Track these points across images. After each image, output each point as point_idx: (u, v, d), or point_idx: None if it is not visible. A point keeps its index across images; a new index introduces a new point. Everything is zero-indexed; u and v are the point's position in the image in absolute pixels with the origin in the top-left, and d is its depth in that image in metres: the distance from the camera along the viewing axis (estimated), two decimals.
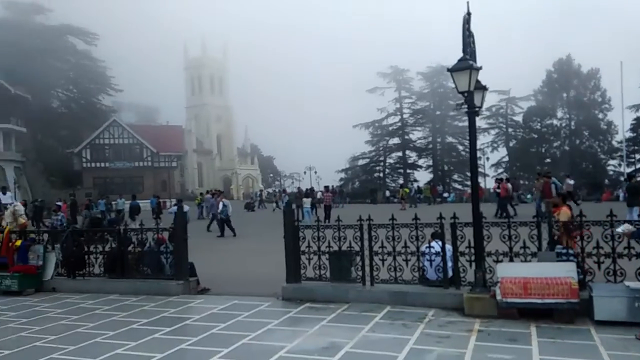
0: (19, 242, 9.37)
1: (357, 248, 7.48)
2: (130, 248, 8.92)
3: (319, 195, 25.65)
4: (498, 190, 19.64)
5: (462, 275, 6.90)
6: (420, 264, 7.24)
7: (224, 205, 17.75)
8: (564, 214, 7.25)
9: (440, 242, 7.06)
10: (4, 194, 17.32)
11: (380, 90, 67.27)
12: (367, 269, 7.42)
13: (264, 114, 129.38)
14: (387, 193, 48.72)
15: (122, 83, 67.77)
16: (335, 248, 7.67)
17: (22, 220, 10.45)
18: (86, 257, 9.12)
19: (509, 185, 20.22)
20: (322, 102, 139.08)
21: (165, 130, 62.29)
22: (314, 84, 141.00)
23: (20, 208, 14.60)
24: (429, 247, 7.16)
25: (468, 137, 8.49)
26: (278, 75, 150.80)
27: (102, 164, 54.53)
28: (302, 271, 7.84)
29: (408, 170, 68.53)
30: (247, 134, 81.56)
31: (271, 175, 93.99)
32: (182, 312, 7.21)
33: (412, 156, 69.49)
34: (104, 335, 6.12)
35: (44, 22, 60.75)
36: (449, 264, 6.98)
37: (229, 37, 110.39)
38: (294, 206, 10.56)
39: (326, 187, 26.37)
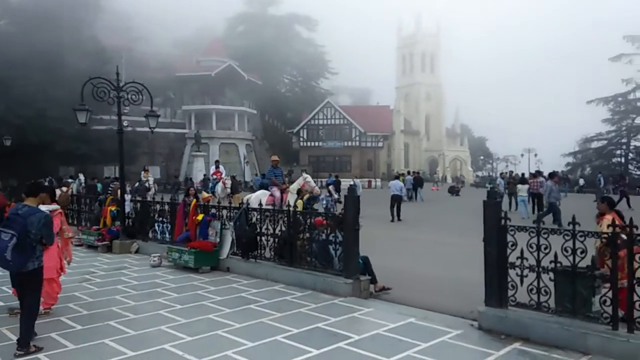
0: (200, 217, 9.18)
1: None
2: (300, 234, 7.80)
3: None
4: None
5: None
6: None
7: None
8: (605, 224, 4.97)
9: None
10: (217, 167, 18.50)
11: (627, 58, 55.00)
12: (623, 303, 4.61)
13: (476, 92, 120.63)
14: None
15: (338, 66, 70.97)
16: (567, 264, 5.03)
17: (205, 194, 10.46)
18: (258, 238, 8.35)
19: None
20: (544, 75, 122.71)
21: (373, 111, 62.84)
22: (535, 53, 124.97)
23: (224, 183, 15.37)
24: None
25: None
26: (492, 48, 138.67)
27: (316, 143, 57.90)
28: (510, 292, 5.41)
29: None
30: (458, 114, 77.03)
31: (482, 157, 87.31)
32: (341, 326, 5.61)
33: None
34: (239, 346, 4.92)
35: (275, 13, 67.16)
36: None
37: (446, 12, 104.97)
38: (501, 194, 8.02)
39: (537, 172, 21.36)
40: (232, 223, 8.69)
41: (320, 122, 58.59)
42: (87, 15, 41.56)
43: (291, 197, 11.22)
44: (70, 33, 37.27)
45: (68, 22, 37.61)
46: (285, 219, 7.92)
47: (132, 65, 49.86)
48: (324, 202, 15.97)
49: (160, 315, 5.95)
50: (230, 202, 13.65)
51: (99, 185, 22.49)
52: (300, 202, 10.47)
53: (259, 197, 11.55)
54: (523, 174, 23.83)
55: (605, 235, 4.85)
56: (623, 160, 57.15)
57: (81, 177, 23.26)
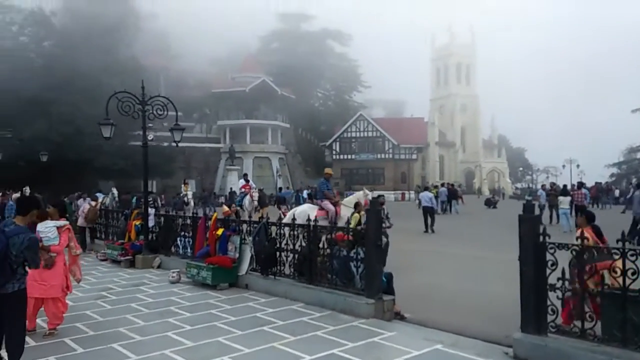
0: (220, 231, 8.89)
1: None
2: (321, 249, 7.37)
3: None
4: None
5: None
6: None
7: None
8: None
9: None
10: (246, 180, 18.35)
11: None
12: None
13: (514, 102, 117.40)
14: None
15: (371, 80, 70.62)
16: (617, 286, 4.40)
17: (226, 208, 10.18)
18: (277, 254, 7.97)
19: None
20: (587, 84, 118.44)
21: (407, 123, 61.96)
22: (577, 61, 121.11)
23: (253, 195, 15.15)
24: None
25: None
26: (531, 57, 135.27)
27: (349, 156, 57.45)
28: (550, 318, 4.79)
29: None
30: (494, 124, 75.07)
31: (521, 169, 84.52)
32: (359, 352, 5.11)
33: None
34: None
35: (308, 29, 67.65)
36: None
37: (478, 17, 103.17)
38: (540, 208, 7.43)
39: (579, 184, 20.53)
40: (251, 238, 8.35)
41: (353, 134, 58.18)
42: (126, 36, 43.00)
43: (346, 211, 10.61)
44: (109, 53, 38.55)
45: (108, 43, 38.91)
46: (305, 234, 7.53)
47: (170, 84, 51.46)
48: None
49: (168, 337, 5.62)
50: (261, 216, 13.29)
51: (134, 199, 22.84)
52: (356, 216, 10.00)
53: (306, 212, 10.89)
54: (565, 186, 22.59)
55: (574, 249, 4.75)
56: None
57: (114, 191, 23.54)
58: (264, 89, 51.95)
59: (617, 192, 29.04)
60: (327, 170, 12.35)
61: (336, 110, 66.85)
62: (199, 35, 54.00)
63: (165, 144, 42.17)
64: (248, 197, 17.29)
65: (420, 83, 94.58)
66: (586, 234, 5.17)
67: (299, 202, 28.14)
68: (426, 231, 17.38)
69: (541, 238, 4.92)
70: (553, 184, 24.44)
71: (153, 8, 50.29)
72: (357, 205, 10.17)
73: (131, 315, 6.63)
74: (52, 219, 5.54)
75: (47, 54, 38.52)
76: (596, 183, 32.91)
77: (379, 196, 10.30)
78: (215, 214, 9.47)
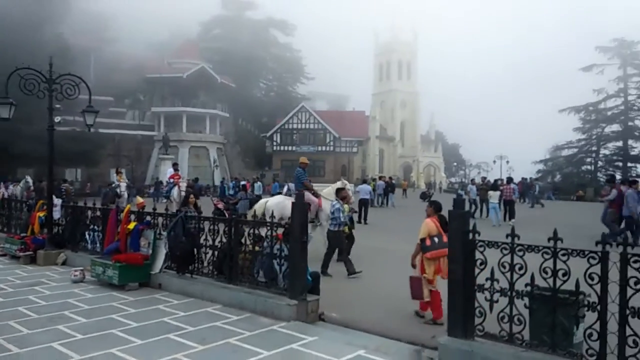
0: (132, 225, 8.02)
1: (590, 291, 3.84)
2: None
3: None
4: None
5: None
6: None
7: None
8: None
9: None
10: (175, 170, 17.23)
11: (599, 68, 55.72)
12: (616, 337, 3.72)
13: (451, 99, 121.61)
14: None
15: (315, 72, 70.21)
16: (545, 286, 4.13)
17: (140, 199, 9.29)
18: (195, 250, 7.25)
19: None
20: (518, 85, 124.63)
21: (349, 116, 62.30)
22: (508, 65, 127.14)
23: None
24: None
25: None
26: (468, 56, 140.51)
27: (290, 148, 56.80)
28: (477, 321, 4.47)
29: (630, 164, 55.61)
30: (433, 121, 77.09)
31: (455, 164, 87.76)
32: None
33: (638, 146, 56.19)
34: None
35: (252, 17, 65.84)
36: None
37: (420, 18, 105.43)
38: (467, 200, 7.30)
39: (509, 179, 21.30)
40: (165, 233, 7.56)
41: (295, 126, 57.63)
42: (53, 15, 39.61)
43: (326, 203, 9.97)
44: (32, 32, 35.34)
45: (31, 21, 35.64)
46: (227, 228, 6.86)
47: (101, 67, 48.24)
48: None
49: (52, 349, 4.80)
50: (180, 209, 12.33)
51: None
52: (347, 208, 9.40)
53: (281, 204, 10.00)
54: (495, 181, 23.29)
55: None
56: (592, 167, 57.76)
57: (28, 178, 21.45)
58: (202, 76, 50.09)
59: (537, 188, 30.77)
60: (303, 159, 11.49)
61: (278, 101, 65.86)
62: (138, 16, 51.10)
63: (92, 130, 39.68)
64: (176, 187, 16.26)
65: (364, 77, 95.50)
66: (432, 224, 6.03)
67: (223, 193, 26.49)
68: (359, 222, 17.33)
69: (471, 235, 4.58)
70: (484, 179, 25.15)
71: None
72: (343, 197, 9.53)
73: (15, 321, 5.69)
74: None
75: None
76: (522, 179, 34.46)
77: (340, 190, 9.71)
78: (128, 206, 8.54)
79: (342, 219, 9.01)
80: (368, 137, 63.17)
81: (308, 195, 10.23)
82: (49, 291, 7.25)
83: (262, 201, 11.40)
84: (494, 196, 18.34)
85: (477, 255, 4.53)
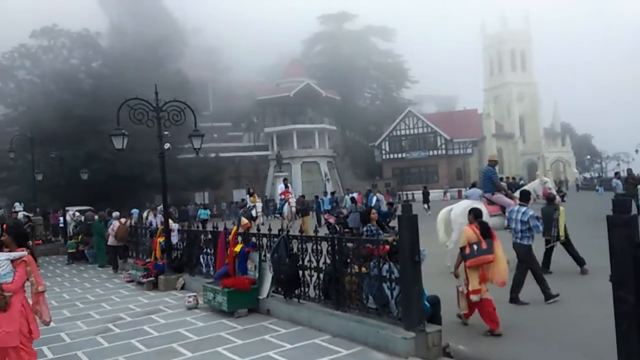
0: (238, 248, 7.80)
1: None
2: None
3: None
4: None
5: None
6: None
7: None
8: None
9: None
10: (286, 186, 17.31)
11: None
12: None
13: (577, 87, 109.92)
14: None
15: (420, 74, 68.29)
16: None
17: (245, 220, 9.07)
18: (301, 273, 6.76)
19: None
20: None
21: (459, 116, 59.09)
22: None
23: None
24: None
25: None
26: (591, 38, 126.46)
27: (399, 155, 55.46)
28: None
29: None
30: (557, 112, 70.18)
31: (588, 157, 78.54)
32: None
33: None
34: None
35: (351, 28, 66.31)
36: None
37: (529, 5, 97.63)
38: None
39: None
40: (269, 255, 7.19)
41: (403, 132, 56.12)
42: (172, 52, 43.56)
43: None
44: (155, 70, 39.12)
45: (154, 60, 39.46)
46: (329, 248, 6.28)
47: (218, 96, 51.93)
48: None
49: None
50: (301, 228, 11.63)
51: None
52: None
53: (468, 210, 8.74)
54: None
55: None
56: None
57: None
58: (308, 93, 51.18)
59: None
60: (491, 156, 10.49)
61: (384, 108, 64.94)
62: (245, 45, 54.36)
63: (212, 155, 42.38)
64: (287, 204, 16.28)
65: (473, 74, 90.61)
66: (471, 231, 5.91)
67: (319, 209, 23.65)
68: None
69: None
70: (630, 171, 21.64)
71: (198, 24, 50.91)
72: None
73: (124, 356, 5.63)
74: (7, 250, 4.59)
75: (95, 74, 39.63)
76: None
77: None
78: (235, 228, 8.40)
79: (540, 228, 7.33)
80: (483, 136, 59.22)
81: (500, 197, 9.16)
82: (163, 320, 7.26)
83: (445, 209, 9.99)
84: None
85: None
